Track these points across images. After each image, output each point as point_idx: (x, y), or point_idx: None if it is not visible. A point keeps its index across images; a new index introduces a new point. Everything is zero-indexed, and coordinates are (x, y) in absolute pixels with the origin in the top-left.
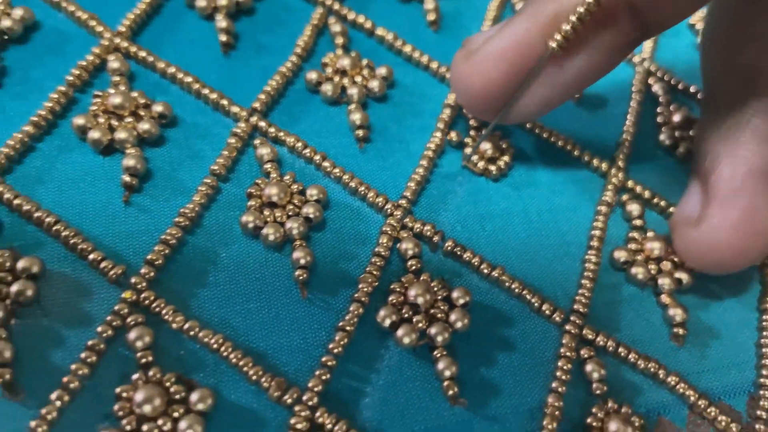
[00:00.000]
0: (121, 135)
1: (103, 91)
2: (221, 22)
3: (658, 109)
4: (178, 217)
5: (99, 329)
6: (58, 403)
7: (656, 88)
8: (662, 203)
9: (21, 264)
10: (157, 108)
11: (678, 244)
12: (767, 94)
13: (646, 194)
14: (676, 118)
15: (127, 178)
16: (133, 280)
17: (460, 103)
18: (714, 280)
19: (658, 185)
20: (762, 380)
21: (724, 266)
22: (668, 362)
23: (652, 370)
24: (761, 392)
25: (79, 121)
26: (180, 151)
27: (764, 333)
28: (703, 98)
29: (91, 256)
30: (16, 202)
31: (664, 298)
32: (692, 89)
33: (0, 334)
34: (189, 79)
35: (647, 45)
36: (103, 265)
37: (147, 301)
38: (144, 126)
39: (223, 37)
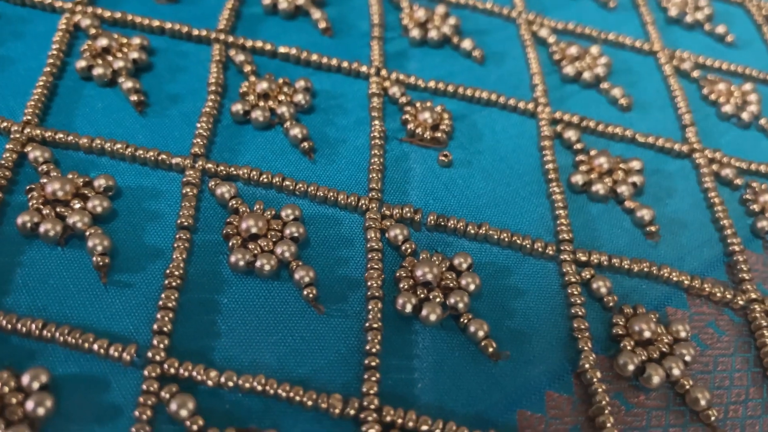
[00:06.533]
0: (74, 219)
1: (35, 183)
2: (126, 83)
3: (551, 49)
4: (167, 279)
5: (136, 413)
6: None
7: (542, 32)
8: (591, 124)
9: (26, 379)
10: (100, 182)
11: None
12: None
13: (575, 119)
14: (571, 51)
15: (97, 260)
16: (149, 354)
17: None
18: (661, 177)
19: (580, 110)
20: (731, 248)
21: None
22: (653, 258)
23: (645, 269)
24: (734, 258)
25: (23, 219)
26: (137, 218)
27: (715, 209)
28: None
29: (95, 346)
30: None
31: (628, 204)
32: (570, 26)
33: None
34: (118, 146)
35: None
36: (112, 350)
37: (172, 370)
38: (93, 202)
39: (134, 97)
